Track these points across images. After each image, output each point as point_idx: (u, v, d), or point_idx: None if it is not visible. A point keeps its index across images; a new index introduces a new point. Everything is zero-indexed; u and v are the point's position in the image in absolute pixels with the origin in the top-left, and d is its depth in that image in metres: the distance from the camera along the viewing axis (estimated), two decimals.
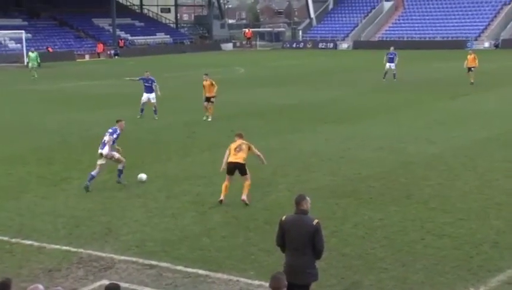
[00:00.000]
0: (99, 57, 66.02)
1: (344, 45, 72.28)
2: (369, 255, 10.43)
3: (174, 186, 14.92)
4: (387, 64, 36.11)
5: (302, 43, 75.45)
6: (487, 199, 13.30)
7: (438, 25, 69.72)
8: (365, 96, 30.40)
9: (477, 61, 33.56)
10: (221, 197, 13.24)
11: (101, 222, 12.41)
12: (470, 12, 69.99)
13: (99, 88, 37.19)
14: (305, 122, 23.28)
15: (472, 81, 32.89)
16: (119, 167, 15.02)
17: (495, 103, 27.39)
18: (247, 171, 13.24)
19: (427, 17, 71.69)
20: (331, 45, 72.66)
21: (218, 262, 10.27)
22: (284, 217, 7.78)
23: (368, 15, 75.94)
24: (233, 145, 13.36)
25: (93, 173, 14.74)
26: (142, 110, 24.97)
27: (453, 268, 9.82)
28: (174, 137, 21.19)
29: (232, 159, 13.21)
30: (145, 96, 25.04)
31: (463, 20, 68.97)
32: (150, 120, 24.48)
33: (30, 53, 46.28)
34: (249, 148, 13.36)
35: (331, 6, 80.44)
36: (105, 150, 14.75)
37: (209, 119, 23.45)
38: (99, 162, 14.81)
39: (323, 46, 72.53)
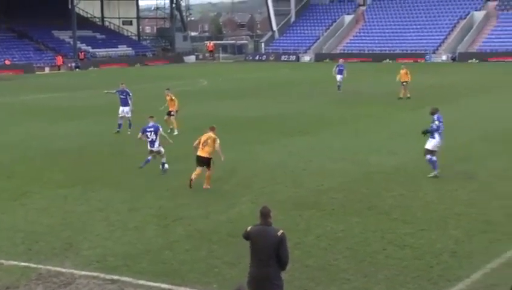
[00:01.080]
0: (59, 70, 65.23)
1: (306, 58, 72.92)
2: (331, 266, 10.51)
3: (137, 199, 14.79)
4: (338, 76, 36.74)
5: (264, 56, 75.84)
6: (446, 209, 13.54)
7: (397, 38, 70.93)
8: (327, 108, 30.68)
9: (409, 76, 33.72)
10: (192, 176, 15.12)
11: (61, 237, 12.21)
12: (428, 26, 71.39)
13: (60, 100, 36.71)
14: (269, 134, 23.38)
15: (407, 96, 32.85)
16: (163, 160, 17.12)
17: (453, 115, 27.88)
18: (211, 165, 15.15)
19: (387, 31, 72.90)
20: (294, 57, 73.22)
21: (181, 275, 10.20)
22: (249, 228, 7.81)
23: (329, 28, 76.82)
24: (203, 138, 15.27)
25: (163, 161, 17.13)
26: (119, 125, 24.24)
27: (413, 278, 9.95)
28: (137, 150, 21.00)
29: (199, 153, 15.13)
30: (120, 109, 24.50)
31: (421, 34, 70.31)
32: (111, 133, 24.24)
33: None
34: (214, 141, 15.11)
35: (293, 19, 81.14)
36: (156, 146, 17.03)
37: (175, 133, 23.37)
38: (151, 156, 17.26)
39: (285, 59, 73.05)
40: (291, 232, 11.48)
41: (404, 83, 33.60)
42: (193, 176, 15.24)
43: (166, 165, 17.22)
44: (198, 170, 15.26)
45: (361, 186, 15.58)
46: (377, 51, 69.51)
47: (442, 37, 69.11)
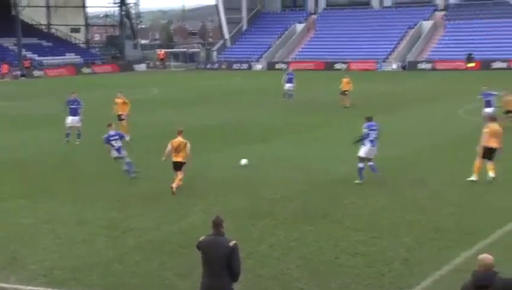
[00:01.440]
0: (3, 78, 63.62)
1: (258, 66, 73.14)
2: (284, 275, 10.44)
3: (86, 210, 14.44)
4: (286, 85, 36.94)
5: (216, 64, 75.72)
6: (398, 217, 13.66)
7: (348, 46, 71.79)
8: (279, 116, 30.74)
9: (351, 85, 33.97)
10: (173, 185, 15.44)
11: (6, 250, 11.80)
12: (378, 35, 72.51)
13: (5, 110, 35.74)
14: (221, 143, 23.24)
15: (347, 105, 32.89)
16: (128, 160, 17.35)
17: (405, 122, 28.38)
18: (183, 169, 15.75)
19: (339, 39, 73.73)
20: (246, 65, 73.35)
21: (132, 288, 9.99)
22: (201, 239, 7.76)
23: (281, 36, 77.29)
24: (175, 143, 15.74)
25: (128, 161, 17.36)
26: (68, 135, 23.52)
27: (365, 286, 9.97)
28: (85, 160, 20.58)
29: (175, 159, 15.74)
30: (69, 119, 23.63)
31: (372, 43, 71.35)
32: (59, 143, 23.69)
33: None
34: (185, 146, 15.71)
35: (245, 28, 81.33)
36: (123, 153, 17.35)
37: (127, 139, 23.01)
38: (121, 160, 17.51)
39: (237, 67, 73.06)
40: (244, 241, 11.37)
41: (346, 92, 33.73)
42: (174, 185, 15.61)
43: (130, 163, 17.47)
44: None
45: (314, 194, 15.60)
46: (329, 59, 70.22)
47: (392, 46, 70.37)
